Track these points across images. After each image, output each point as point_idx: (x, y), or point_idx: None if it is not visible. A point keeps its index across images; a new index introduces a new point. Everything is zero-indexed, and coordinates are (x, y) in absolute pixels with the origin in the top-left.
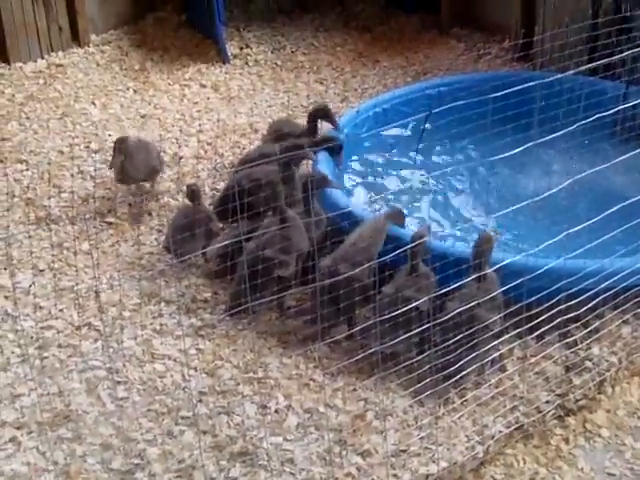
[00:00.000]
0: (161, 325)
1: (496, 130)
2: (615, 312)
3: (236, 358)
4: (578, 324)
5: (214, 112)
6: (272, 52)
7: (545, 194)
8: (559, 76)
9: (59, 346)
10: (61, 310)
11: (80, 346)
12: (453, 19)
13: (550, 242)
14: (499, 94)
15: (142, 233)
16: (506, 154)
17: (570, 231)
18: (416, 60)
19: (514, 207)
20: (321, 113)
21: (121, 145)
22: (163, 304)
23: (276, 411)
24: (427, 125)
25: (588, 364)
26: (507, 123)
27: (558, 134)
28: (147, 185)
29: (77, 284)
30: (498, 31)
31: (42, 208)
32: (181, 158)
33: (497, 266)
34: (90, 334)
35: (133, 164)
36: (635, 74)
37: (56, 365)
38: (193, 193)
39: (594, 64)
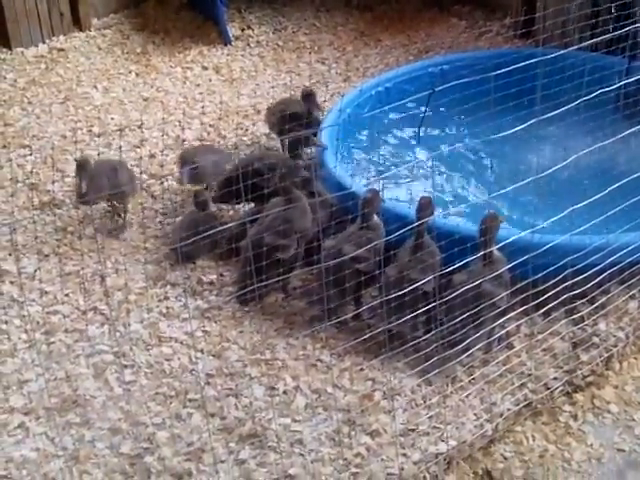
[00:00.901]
0: (167, 308)
1: (499, 108)
2: (621, 287)
3: (243, 340)
4: (584, 300)
5: (216, 94)
6: (274, 33)
7: (549, 170)
8: (561, 52)
9: (66, 331)
10: (67, 295)
11: (87, 331)
12: None
13: (555, 218)
14: (501, 71)
15: (147, 217)
16: (509, 131)
17: (575, 207)
18: (417, 38)
19: (517, 184)
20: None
21: (81, 168)
22: (169, 287)
23: (284, 392)
24: (428, 105)
25: (595, 340)
26: (510, 101)
27: (560, 110)
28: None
29: (82, 268)
30: (499, 8)
31: (46, 193)
32: (184, 141)
33: (503, 243)
34: (96, 318)
35: (95, 185)
36: (637, 49)
37: (63, 350)
38: (199, 204)
39: (595, 40)
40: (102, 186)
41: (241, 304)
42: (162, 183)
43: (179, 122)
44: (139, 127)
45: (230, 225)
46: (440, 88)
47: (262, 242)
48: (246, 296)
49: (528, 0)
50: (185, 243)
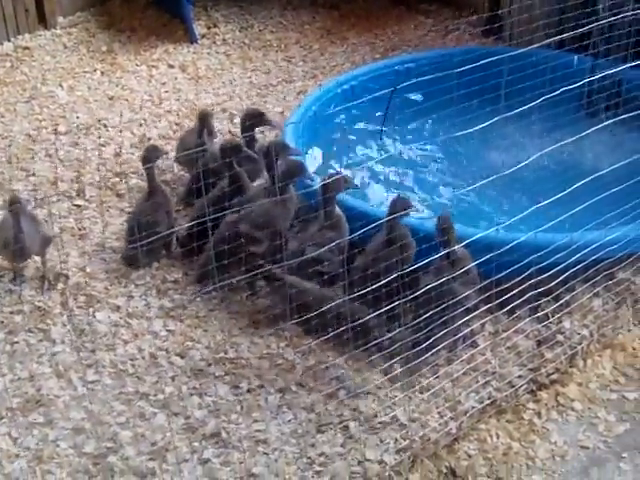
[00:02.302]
0: (131, 307)
1: (463, 105)
2: (586, 285)
3: (207, 339)
4: (549, 298)
5: (182, 92)
6: (240, 31)
7: (513, 168)
8: (524, 50)
9: (29, 331)
10: (30, 294)
11: (50, 330)
12: None
13: (519, 216)
14: (463, 69)
15: (111, 215)
16: (472, 129)
17: (539, 205)
18: (384, 37)
19: (480, 182)
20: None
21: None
22: (133, 286)
23: (248, 391)
24: (390, 103)
25: (560, 338)
26: (474, 98)
27: (524, 108)
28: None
29: (44, 267)
30: (466, 6)
31: (10, 192)
32: (149, 139)
33: (467, 241)
34: (59, 318)
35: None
36: (602, 46)
37: (26, 350)
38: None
39: (560, 37)
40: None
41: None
42: (127, 182)
43: (144, 120)
44: (104, 126)
45: (180, 227)
46: (401, 86)
47: (238, 231)
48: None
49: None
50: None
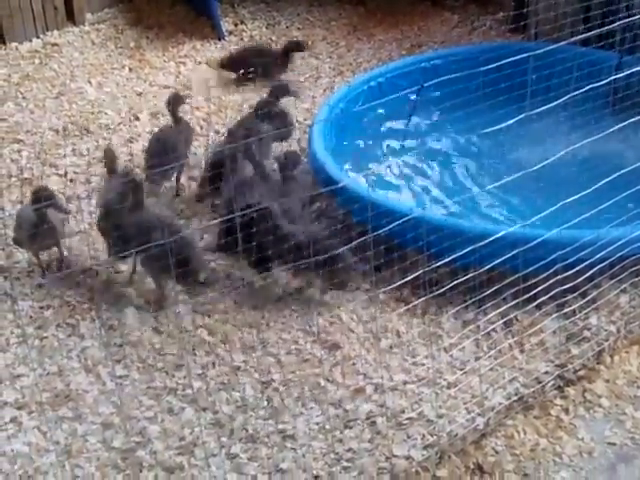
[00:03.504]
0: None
1: (490, 102)
2: (612, 281)
3: (235, 335)
4: (576, 294)
5: (209, 89)
6: (267, 28)
7: (540, 165)
8: (551, 47)
9: (58, 326)
10: (59, 289)
11: (79, 325)
12: None
13: (546, 213)
14: (491, 66)
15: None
16: (499, 126)
17: (565, 201)
18: (411, 33)
19: (506, 179)
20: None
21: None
22: None
23: (276, 386)
24: (418, 98)
25: (586, 334)
26: (501, 95)
27: (551, 105)
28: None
29: (76, 263)
30: (491, 3)
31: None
32: None
33: (493, 237)
34: (88, 313)
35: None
36: (628, 44)
37: (55, 345)
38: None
39: (587, 34)
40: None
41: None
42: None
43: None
44: (132, 121)
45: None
46: (429, 84)
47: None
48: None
49: None
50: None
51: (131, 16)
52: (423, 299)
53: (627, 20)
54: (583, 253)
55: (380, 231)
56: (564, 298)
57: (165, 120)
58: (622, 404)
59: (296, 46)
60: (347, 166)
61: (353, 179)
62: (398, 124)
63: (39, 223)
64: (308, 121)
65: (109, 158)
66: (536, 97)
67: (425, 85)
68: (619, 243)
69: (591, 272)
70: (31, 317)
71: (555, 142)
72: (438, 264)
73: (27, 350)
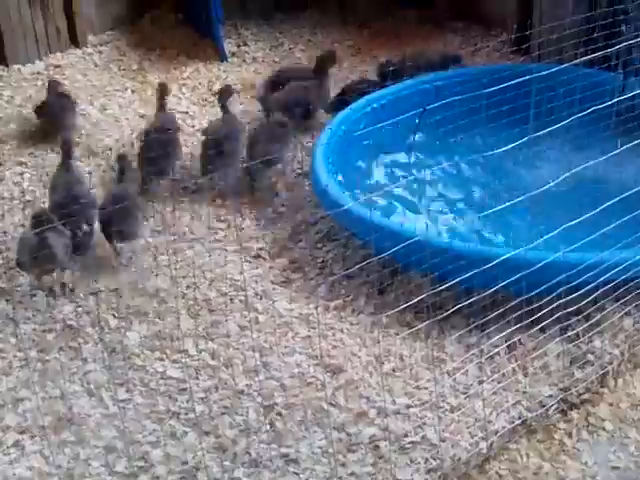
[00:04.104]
0: (161, 327)
1: (493, 124)
2: (616, 304)
3: (238, 359)
4: (579, 317)
5: (211, 110)
6: (270, 49)
7: (543, 188)
8: (555, 68)
9: (60, 349)
10: (62, 313)
11: (81, 348)
12: (449, 12)
13: (549, 236)
14: (494, 89)
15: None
16: (503, 148)
17: (569, 224)
18: (413, 55)
19: (510, 202)
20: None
21: None
22: (164, 306)
23: (279, 410)
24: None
25: (590, 357)
26: (504, 117)
27: (554, 127)
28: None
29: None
30: (495, 24)
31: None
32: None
33: (497, 260)
34: (91, 337)
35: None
36: (633, 65)
37: (57, 368)
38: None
39: (590, 56)
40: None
41: None
42: None
43: None
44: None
45: None
46: (431, 106)
47: None
48: None
49: (523, 15)
50: None
51: (134, 38)
52: (426, 323)
53: (630, 42)
54: (587, 276)
55: (383, 255)
56: (568, 321)
57: None
58: (626, 428)
59: (329, 56)
60: (349, 189)
61: (356, 202)
62: (401, 147)
63: (40, 247)
64: (310, 143)
65: None
66: (539, 119)
67: (427, 107)
68: (623, 265)
69: (595, 295)
70: (33, 340)
71: (559, 164)
72: (441, 288)
73: (29, 374)
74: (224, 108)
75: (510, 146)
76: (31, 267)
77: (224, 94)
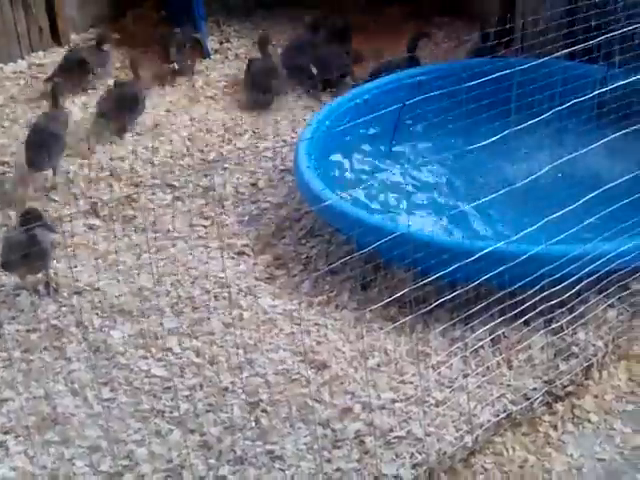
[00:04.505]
0: (146, 326)
1: (475, 117)
2: (600, 296)
3: (223, 356)
4: (563, 309)
5: (195, 107)
6: (252, 46)
7: (525, 180)
8: (536, 61)
9: (44, 349)
10: (45, 312)
11: (65, 348)
12: (433, 8)
13: (531, 229)
14: (473, 83)
15: (126, 234)
16: (484, 142)
17: (551, 217)
18: (398, 50)
19: (491, 195)
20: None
21: None
22: (147, 304)
23: (263, 407)
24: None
25: (574, 349)
26: (486, 110)
27: (535, 121)
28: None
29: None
30: (478, 18)
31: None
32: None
33: (479, 254)
34: (75, 336)
35: None
36: (614, 57)
37: (42, 368)
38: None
39: (573, 48)
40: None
41: None
42: (137, 201)
43: (161, 135)
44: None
45: None
46: (411, 101)
47: None
48: None
49: (506, 9)
50: None
51: (116, 36)
52: (410, 317)
53: (611, 34)
54: (570, 268)
55: (366, 250)
56: (552, 314)
57: (149, 137)
58: (611, 419)
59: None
60: (332, 184)
61: (338, 197)
62: (383, 141)
63: (29, 245)
64: (294, 139)
65: None
66: (521, 112)
67: (407, 103)
68: (606, 257)
69: (578, 287)
70: (17, 340)
71: (541, 157)
72: (425, 282)
73: (14, 374)
74: (263, 52)
75: (491, 140)
76: (18, 266)
77: (263, 41)
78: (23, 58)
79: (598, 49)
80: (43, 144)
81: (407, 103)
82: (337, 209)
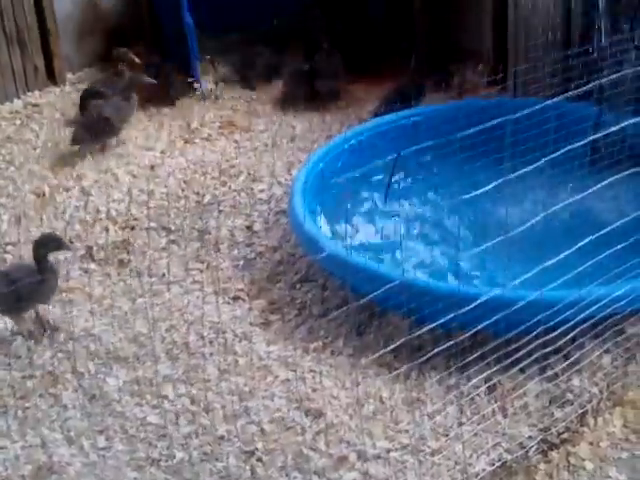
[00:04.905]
0: (140, 372)
1: (470, 156)
2: (595, 342)
3: (218, 403)
4: (558, 356)
5: (189, 148)
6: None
7: (522, 227)
8: (540, 105)
9: (40, 396)
10: (41, 357)
11: (61, 395)
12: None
13: (526, 276)
14: (471, 131)
15: (121, 278)
16: (478, 191)
17: (546, 264)
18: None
19: (488, 244)
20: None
21: None
22: (143, 351)
23: (259, 455)
24: (394, 167)
25: (569, 396)
26: (481, 149)
27: (531, 167)
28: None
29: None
30: (471, 57)
31: (18, 257)
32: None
33: (476, 303)
34: (70, 383)
35: None
36: (607, 100)
37: (37, 415)
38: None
39: (569, 93)
40: None
41: None
42: (132, 245)
43: (156, 177)
44: (112, 185)
45: None
46: (405, 152)
47: None
48: None
49: (499, 49)
50: None
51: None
52: (405, 367)
53: (610, 78)
54: (566, 314)
55: (362, 301)
56: (547, 360)
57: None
58: (606, 467)
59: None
60: (327, 228)
61: (333, 242)
62: (378, 185)
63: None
64: (289, 181)
65: None
66: (516, 151)
67: (402, 154)
68: (601, 303)
69: (573, 333)
70: (13, 387)
71: (535, 201)
72: (420, 332)
73: (9, 421)
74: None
75: (484, 189)
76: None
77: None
78: (19, 97)
79: (590, 94)
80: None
81: (401, 154)
82: (331, 255)
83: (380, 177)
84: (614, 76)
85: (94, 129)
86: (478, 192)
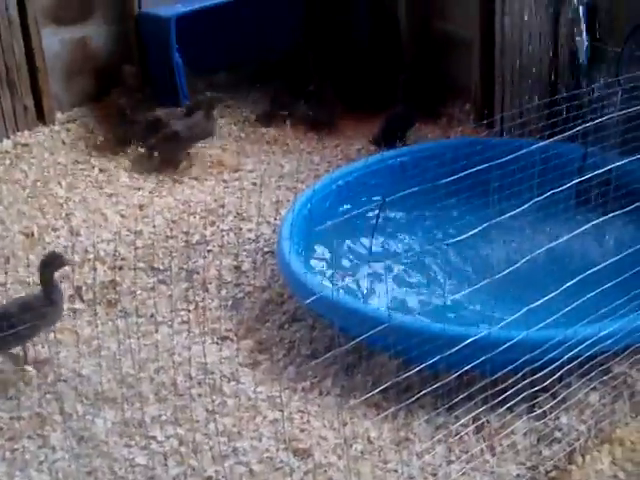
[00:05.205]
0: (128, 414)
1: (458, 198)
2: (582, 380)
3: (206, 444)
4: (546, 395)
5: (178, 187)
6: (235, 124)
7: (508, 269)
8: (534, 146)
9: (28, 437)
10: (29, 399)
11: (49, 436)
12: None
13: (513, 318)
14: (464, 173)
15: (111, 318)
16: (466, 235)
17: (533, 305)
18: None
19: (476, 286)
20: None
21: None
22: (132, 392)
23: None
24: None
25: (557, 434)
26: (469, 190)
27: (519, 210)
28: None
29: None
30: (459, 96)
31: (5, 295)
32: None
33: (465, 343)
34: (58, 424)
35: None
36: (593, 141)
37: (26, 457)
38: None
39: (558, 137)
40: None
41: None
42: (120, 286)
43: (144, 217)
44: (100, 225)
45: None
46: (391, 198)
47: None
48: None
49: (487, 89)
50: None
51: (101, 115)
52: (394, 407)
53: (595, 122)
54: (553, 354)
55: (351, 344)
56: (535, 399)
57: (131, 219)
58: None
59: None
60: (316, 268)
61: (321, 284)
62: (366, 226)
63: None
64: (277, 220)
65: None
66: (503, 192)
67: (387, 200)
68: (589, 342)
69: (561, 372)
70: (1, 429)
71: (522, 240)
72: (409, 374)
73: None
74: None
75: (472, 232)
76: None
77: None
78: (8, 137)
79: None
80: None
81: (387, 200)
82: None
83: (369, 215)
84: (599, 120)
85: None
86: (462, 237)
